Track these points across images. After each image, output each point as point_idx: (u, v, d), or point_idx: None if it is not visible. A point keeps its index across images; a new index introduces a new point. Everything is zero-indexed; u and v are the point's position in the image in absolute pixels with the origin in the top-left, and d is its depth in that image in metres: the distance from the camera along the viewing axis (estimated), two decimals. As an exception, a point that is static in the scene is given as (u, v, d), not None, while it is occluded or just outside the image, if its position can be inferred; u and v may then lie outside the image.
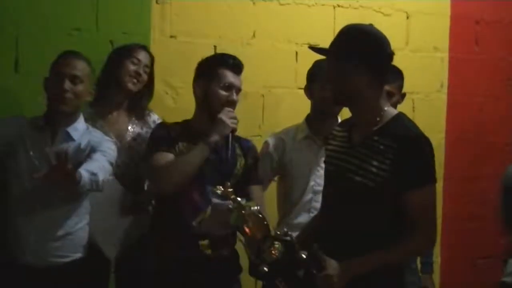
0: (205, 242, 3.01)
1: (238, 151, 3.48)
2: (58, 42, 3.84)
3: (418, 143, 2.72)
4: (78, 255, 3.44)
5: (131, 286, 3.69)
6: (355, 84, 2.75)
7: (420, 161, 2.70)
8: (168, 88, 4.28)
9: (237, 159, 3.46)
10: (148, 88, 3.85)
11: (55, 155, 3.03)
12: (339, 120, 3.72)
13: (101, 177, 3.25)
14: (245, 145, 3.53)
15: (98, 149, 3.39)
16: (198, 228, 3.15)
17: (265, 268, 2.63)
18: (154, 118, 3.90)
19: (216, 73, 3.39)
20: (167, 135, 3.38)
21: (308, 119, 3.80)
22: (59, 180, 3.09)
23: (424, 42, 5.02)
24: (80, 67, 3.38)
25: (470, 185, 5.05)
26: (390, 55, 2.80)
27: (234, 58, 3.43)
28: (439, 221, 4.95)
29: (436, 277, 5.08)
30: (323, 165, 3.61)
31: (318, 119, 3.74)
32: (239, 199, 2.74)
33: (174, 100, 4.30)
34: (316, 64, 3.73)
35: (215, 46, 4.34)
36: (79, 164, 3.26)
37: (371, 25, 2.84)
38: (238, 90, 3.42)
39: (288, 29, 4.62)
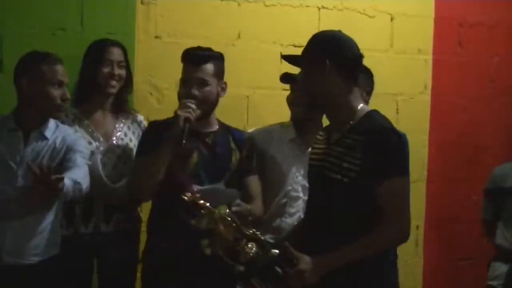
0: (205, 241, 2.99)
1: (232, 145, 3.45)
2: (43, 42, 3.84)
3: (385, 136, 2.76)
4: (54, 252, 3.43)
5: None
6: (326, 87, 2.84)
7: (387, 153, 2.74)
8: (152, 88, 4.28)
9: (231, 153, 3.44)
10: (126, 81, 3.83)
11: (38, 168, 3.04)
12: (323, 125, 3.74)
13: (84, 185, 3.28)
14: (239, 138, 3.50)
15: (76, 148, 3.40)
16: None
17: (241, 268, 2.66)
18: (140, 118, 3.92)
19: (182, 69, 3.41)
20: (154, 136, 3.35)
21: (296, 122, 3.78)
22: (43, 189, 3.11)
23: (408, 44, 5.03)
24: (65, 72, 3.39)
25: (453, 186, 5.07)
26: (358, 56, 2.89)
27: (194, 49, 3.41)
28: (421, 223, 5.00)
29: (419, 277, 5.13)
30: (302, 171, 3.63)
31: (304, 125, 3.73)
32: (207, 204, 2.77)
33: (158, 100, 4.30)
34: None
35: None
36: (58, 164, 3.30)
37: (339, 31, 2.94)
38: (201, 81, 3.34)
39: (273, 30, 4.63)
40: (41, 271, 3.36)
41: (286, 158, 3.71)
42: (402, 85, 5.00)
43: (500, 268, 4.31)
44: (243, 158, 3.46)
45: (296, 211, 3.69)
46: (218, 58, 3.42)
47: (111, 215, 3.75)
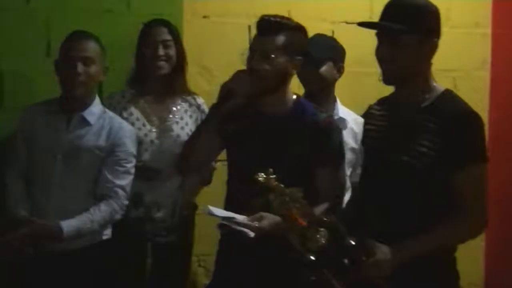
0: None
1: (299, 130, 3.05)
2: (90, 24, 3.77)
3: (469, 121, 2.59)
4: (102, 237, 3.43)
5: None
6: (416, 60, 2.62)
7: (471, 139, 2.58)
8: (202, 70, 4.23)
9: (294, 140, 3.05)
10: (178, 61, 3.78)
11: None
12: (337, 100, 3.67)
13: (102, 224, 3.35)
14: (311, 122, 3.07)
15: (118, 152, 3.40)
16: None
17: (312, 257, 2.53)
18: (200, 102, 3.87)
19: None
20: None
21: (307, 95, 3.63)
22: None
23: (465, 17, 4.88)
24: (91, 48, 3.36)
25: (515, 165, 4.92)
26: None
27: (268, 17, 3.05)
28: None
29: (481, 259, 5.03)
30: None
31: (316, 97, 3.57)
32: (281, 185, 2.62)
33: (208, 82, 4.24)
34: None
35: (249, 26, 4.24)
36: (97, 157, 3.37)
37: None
38: (264, 54, 2.98)
39: (324, 8, 4.53)
40: (89, 257, 3.35)
41: None
42: (459, 61, 4.85)
43: None
44: (313, 146, 3.05)
45: None
46: (293, 29, 3.05)
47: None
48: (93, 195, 3.39)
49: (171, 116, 3.76)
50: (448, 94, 2.69)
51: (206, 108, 3.79)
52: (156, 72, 3.72)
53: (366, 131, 2.89)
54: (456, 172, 2.57)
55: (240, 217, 2.92)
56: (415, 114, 2.65)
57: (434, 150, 2.56)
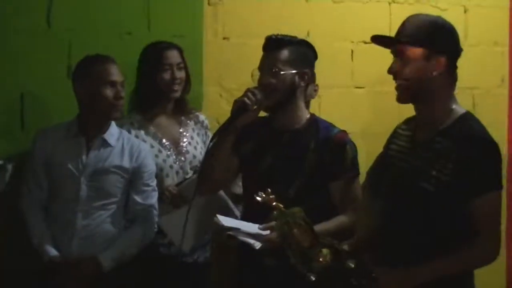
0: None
1: (312, 145, 3.12)
2: (110, 46, 3.82)
3: (482, 147, 2.53)
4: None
5: None
6: (430, 80, 2.59)
7: (484, 166, 2.52)
8: (222, 90, 4.23)
9: (307, 155, 3.11)
10: (185, 82, 3.78)
11: None
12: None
13: (138, 245, 3.42)
14: (324, 137, 3.14)
15: (144, 174, 3.45)
16: None
17: (312, 277, 2.53)
18: (202, 118, 3.88)
19: None
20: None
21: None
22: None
23: (483, 36, 4.87)
24: (118, 71, 3.39)
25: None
26: (461, 50, 2.68)
27: (272, 35, 3.18)
28: (503, 223, 4.83)
29: (502, 275, 5.00)
30: None
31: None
32: (281, 205, 2.66)
33: (229, 102, 4.21)
34: None
35: (269, 47, 4.26)
36: (122, 178, 3.41)
37: (439, 17, 2.69)
38: (269, 69, 3.10)
39: (343, 27, 4.53)
40: (111, 282, 3.35)
41: None
42: (478, 79, 4.83)
43: None
44: (326, 161, 3.11)
45: None
46: (296, 44, 3.17)
47: None
48: (119, 217, 3.43)
49: (182, 137, 3.76)
50: (466, 118, 2.63)
51: (209, 124, 3.85)
52: (171, 95, 3.71)
53: (390, 150, 2.83)
54: (468, 199, 2.51)
55: (252, 227, 2.94)
56: (432, 137, 2.61)
57: (446, 175, 2.51)
